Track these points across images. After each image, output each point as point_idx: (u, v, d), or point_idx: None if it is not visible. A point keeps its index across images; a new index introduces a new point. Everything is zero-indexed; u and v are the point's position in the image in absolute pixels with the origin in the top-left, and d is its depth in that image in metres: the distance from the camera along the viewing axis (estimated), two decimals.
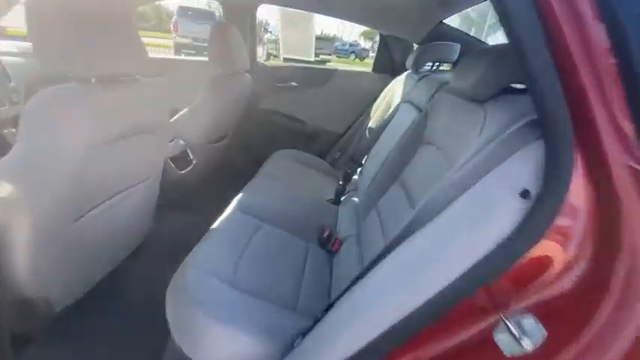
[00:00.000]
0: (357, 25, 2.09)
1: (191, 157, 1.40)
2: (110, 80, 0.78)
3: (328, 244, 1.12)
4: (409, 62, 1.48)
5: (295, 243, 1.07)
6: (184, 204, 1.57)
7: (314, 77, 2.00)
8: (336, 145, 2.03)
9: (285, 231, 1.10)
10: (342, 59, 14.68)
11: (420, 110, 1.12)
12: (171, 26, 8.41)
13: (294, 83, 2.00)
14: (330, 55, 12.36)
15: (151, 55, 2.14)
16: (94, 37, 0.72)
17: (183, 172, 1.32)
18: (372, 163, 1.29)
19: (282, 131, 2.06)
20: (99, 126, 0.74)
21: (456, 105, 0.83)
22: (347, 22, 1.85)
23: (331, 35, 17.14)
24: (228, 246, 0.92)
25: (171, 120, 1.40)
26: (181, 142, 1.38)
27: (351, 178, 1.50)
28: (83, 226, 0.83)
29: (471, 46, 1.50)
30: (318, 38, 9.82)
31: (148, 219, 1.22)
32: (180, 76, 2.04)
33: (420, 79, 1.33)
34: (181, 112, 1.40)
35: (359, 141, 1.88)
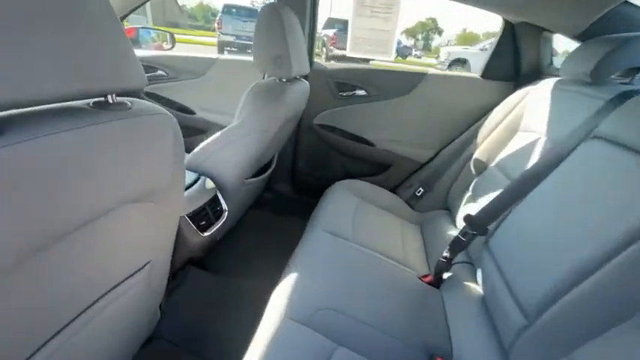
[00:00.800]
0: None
1: (223, 206, 0.94)
2: (42, 112, 0.33)
3: None
4: (579, 66, 0.88)
5: None
6: (211, 265, 1.13)
7: (392, 84, 1.45)
8: (415, 177, 1.47)
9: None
10: None
11: None
12: (216, 24, 8.65)
13: (362, 92, 1.47)
14: None
15: (193, 53, 1.79)
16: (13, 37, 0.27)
17: (208, 234, 0.86)
18: (539, 253, 0.67)
19: (344, 156, 1.55)
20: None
21: None
22: None
23: None
24: None
25: (195, 150, 0.96)
26: (209, 183, 0.92)
27: (463, 248, 0.93)
28: None
29: None
30: None
31: (154, 310, 0.78)
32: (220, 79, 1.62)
33: (622, 99, 0.73)
34: (211, 139, 0.94)
35: (455, 178, 1.31)
